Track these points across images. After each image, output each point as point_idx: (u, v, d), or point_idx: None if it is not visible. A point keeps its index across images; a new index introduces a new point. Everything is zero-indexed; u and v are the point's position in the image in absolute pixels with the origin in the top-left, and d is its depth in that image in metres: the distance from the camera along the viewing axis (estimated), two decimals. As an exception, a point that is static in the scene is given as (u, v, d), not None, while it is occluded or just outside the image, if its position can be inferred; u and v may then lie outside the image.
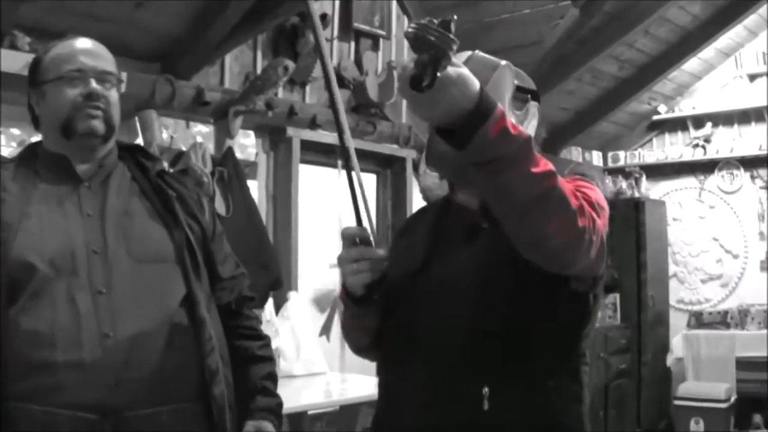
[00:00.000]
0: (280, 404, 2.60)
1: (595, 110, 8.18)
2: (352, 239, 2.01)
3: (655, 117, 8.89)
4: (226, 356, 2.44)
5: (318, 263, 6.29)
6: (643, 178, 8.95)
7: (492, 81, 1.97)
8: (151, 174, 2.51)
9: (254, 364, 2.57)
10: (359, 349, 2.37)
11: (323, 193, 6.33)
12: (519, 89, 2.12)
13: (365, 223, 2.07)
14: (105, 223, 2.34)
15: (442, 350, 2.01)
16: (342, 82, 6.13)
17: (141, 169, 2.53)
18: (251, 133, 5.67)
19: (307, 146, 5.91)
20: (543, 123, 2.19)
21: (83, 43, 2.45)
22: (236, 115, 5.25)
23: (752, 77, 8.44)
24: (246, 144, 5.58)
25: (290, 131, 5.77)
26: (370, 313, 2.16)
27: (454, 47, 1.59)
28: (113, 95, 2.44)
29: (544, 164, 1.71)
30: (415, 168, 6.67)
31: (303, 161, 5.92)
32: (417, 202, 6.68)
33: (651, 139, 9.14)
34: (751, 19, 7.69)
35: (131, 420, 2.18)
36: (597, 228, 1.84)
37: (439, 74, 1.58)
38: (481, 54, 2.04)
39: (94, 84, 2.38)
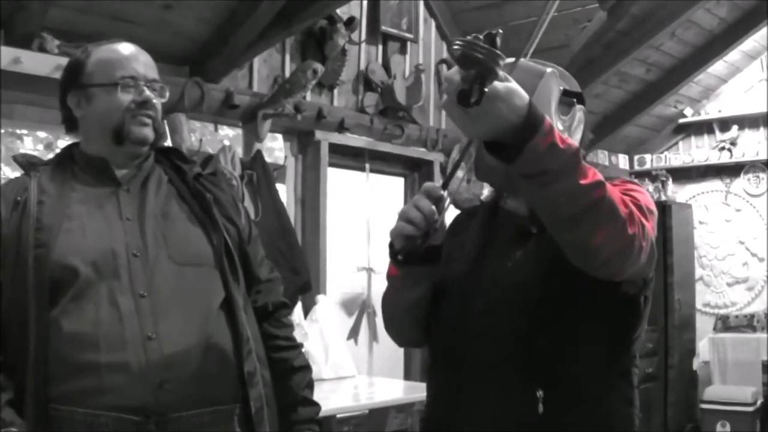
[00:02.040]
0: (319, 411, 2.62)
1: (622, 113, 8.13)
2: (426, 192, 1.97)
3: (681, 120, 8.82)
4: (262, 357, 2.45)
5: (346, 267, 6.30)
6: (669, 181, 8.90)
7: (538, 89, 1.96)
8: (189, 177, 2.52)
9: (294, 375, 2.58)
10: (396, 328, 2.33)
11: (351, 196, 6.34)
12: (565, 93, 2.11)
13: (447, 191, 2.00)
14: (145, 227, 2.35)
15: (495, 352, 2.01)
16: (370, 85, 6.16)
17: (177, 172, 2.53)
18: (279, 136, 5.69)
19: (336, 149, 5.93)
20: (588, 125, 2.17)
21: (131, 49, 2.46)
22: (265, 119, 5.27)
23: (778, 80, 8.36)
24: (274, 147, 5.60)
25: (318, 134, 5.78)
26: (409, 280, 2.15)
27: (501, 63, 1.59)
28: (159, 103, 2.46)
29: (593, 175, 1.70)
30: (443, 171, 6.68)
31: (331, 164, 5.93)
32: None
33: (677, 143, 9.06)
34: (778, 22, 7.62)
35: (174, 422, 2.18)
36: (647, 233, 1.83)
37: (486, 90, 1.58)
38: (526, 61, 2.02)
39: (147, 92, 2.40)
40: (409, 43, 6.55)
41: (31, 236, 2.23)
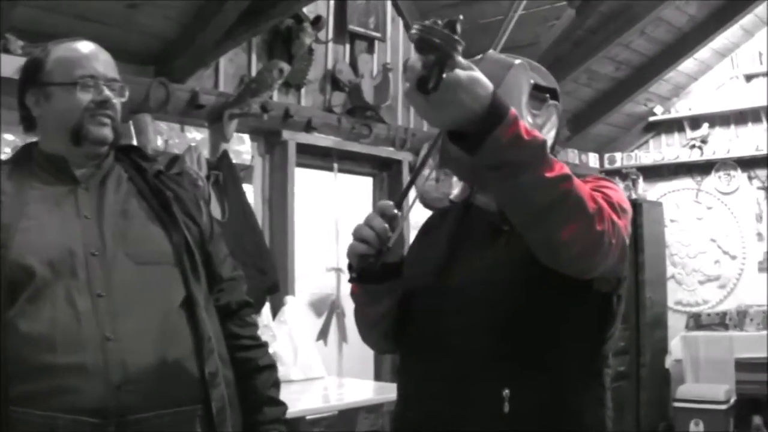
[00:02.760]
0: (285, 411, 2.59)
1: (592, 112, 8.15)
2: (379, 210, 1.95)
3: (652, 118, 8.82)
4: (225, 357, 2.42)
5: (315, 267, 6.26)
6: (640, 179, 8.92)
7: (506, 82, 1.93)
8: (149, 174, 2.49)
9: (259, 374, 2.55)
10: (369, 341, 2.33)
11: (320, 196, 6.28)
12: (537, 88, 2.08)
13: (400, 211, 1.96)
14: (103, 225, 2.32)
15: (463, 350, 1.98)
16: (337, 85, 6.11)
17: (137, 170, 2.50)
18: (246, 136, 5.62)
19: (303, 149, 5.86)
20: (564, 122, 2.14)
21: (90, 47, 2.42)
22: (231, 119, 5.21)
23: (749, 77, 8.38)
24: (241, 148, 5.53)
25: (286, 134, 5.72)
26: (369, 297, 2.14)
27: (460, 48, 1.56)
28: (119, 103, 2.43)
29: (560, 168, 1.67)
30: (411, 170, 6.65)
31: (299, 164, 5.88)
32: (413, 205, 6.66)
33: (647, 141, 9.08)
34: (748, 19, 7.66)
35: (133, 423, 2.15)
36: (618, 230, 1.80)
37: (444, 76, 1.54)
38: (495, 53, 1.99)
39: (107, 91, 2.37)
40: (376, 42, 6.50)
41: None
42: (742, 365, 7.61)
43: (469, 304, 2.00)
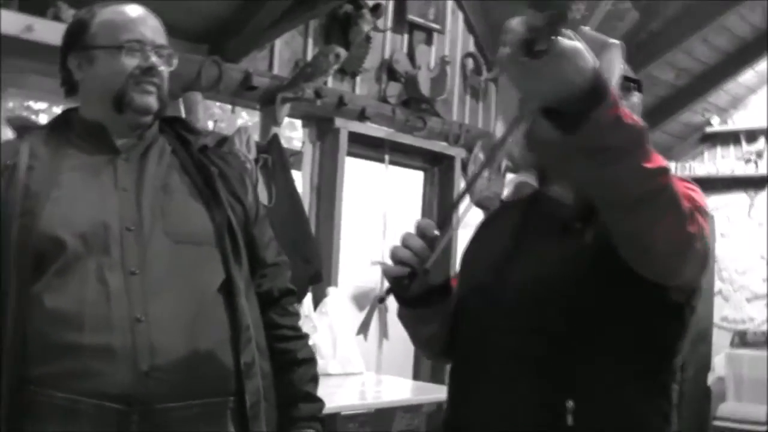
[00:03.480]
0: (322, 408, 2.44)
1: (649, 119, 7.87)
2: (420, 230, 1.84)
3: (708, 129, 8.65)
4: (263, 347, 2.28)
5: (359, 259, 6.14)
6: (695, 191, 8.70)
7: (601, 60, 1.71)
8: (193, 148, 2.34)
9: (297, 367, 2.40)
10: (430, 355, 2.29)
11: (368, 187, 6.18)
12: (626, 78, 1.95)
13: (443, 231, 1.86)
14: (141, 199, 2.17)
15: (525, 355, 1.84)
16: (393, 75, 5.98)
17: (182, 143, 2.36)
18: (298, 121, 5.54)
19: (355, 138, 5.74)
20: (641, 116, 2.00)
21: (139, 11, 2.28)
22: (284, 102, 5.09)
23: (808, 93, 8.18)
24: (292, 133, 5.43)
25: (338, 122, 5.59)
26: (414, 320, 2.06)
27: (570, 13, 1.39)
28: (166, 71, 2.29)
29: (658, 160, 1.52)
30: (464, 167, 6.52)
31: (350, 153, 5.75)
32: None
33: (702, 152, 8.91)
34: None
35: (160, 413, 2.02)
36: (705, 236, 1.66)
37: (554, 39, 1.37)
38: (589, 30, 1.84)
39: (154, 58, 2.23)
40: (435, 34, 6.35)
41: (18, 203, 2.06)
42: (787, 387, 7.40)
43: (529, 303, 1.86)
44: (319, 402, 2.43)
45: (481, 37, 6.68)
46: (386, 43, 5.99)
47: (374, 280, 6.11)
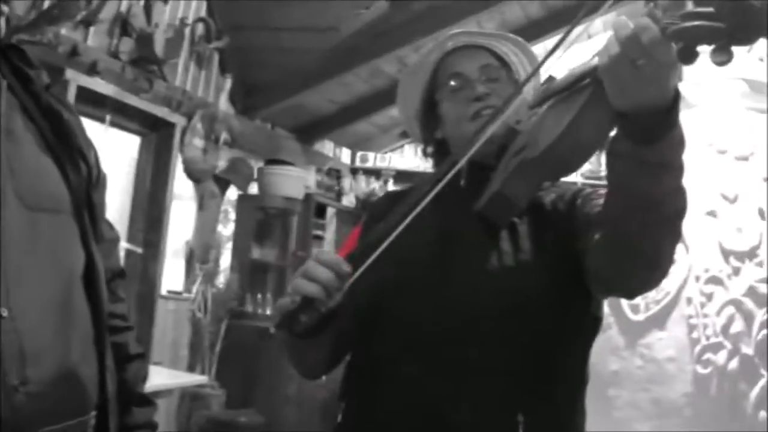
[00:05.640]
0: (156, 411, 2.03)
1: (360, 108, 7.89)
2: (329, 264, 1.57)
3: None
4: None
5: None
6: (390, 181, 8.82)
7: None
8: (37, 87, 1.83)
9: (129, 365, 1.96)
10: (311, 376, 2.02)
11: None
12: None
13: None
14: None
15: (469, 368, 1.72)
16: (126, 30, 5.46)
17: (18, 78, 1.81)
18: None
19: (83, 94, 5.15)
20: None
21: None
22: (20, 44, 4.51)
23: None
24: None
25: (69, 73, 4.99)
26: (308, 345, 1.78)
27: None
28: None
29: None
30: (182, 137, 6.18)
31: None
32: (179, 172, 6.19)
33: (402, 146, 9.02)
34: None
35: None
36: None
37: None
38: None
39: None
40: (169, -8, 5.90)
41: None
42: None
43: (474, 309, 1.75)
44: (153, 405, 2.02)
45: (215, 4, 6.32)
46: (120, -9, 5.47)
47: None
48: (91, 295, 1.76)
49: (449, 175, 1.56)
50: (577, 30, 1.41)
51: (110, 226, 2.01)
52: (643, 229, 1.50)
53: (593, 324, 1.85)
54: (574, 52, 1.52)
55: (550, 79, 1.61)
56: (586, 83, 1.45)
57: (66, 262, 1.70)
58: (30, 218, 1.63)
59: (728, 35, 1.16)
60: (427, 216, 1.62)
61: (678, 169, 1.45)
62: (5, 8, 1.74)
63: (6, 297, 1.52)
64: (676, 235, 1.54)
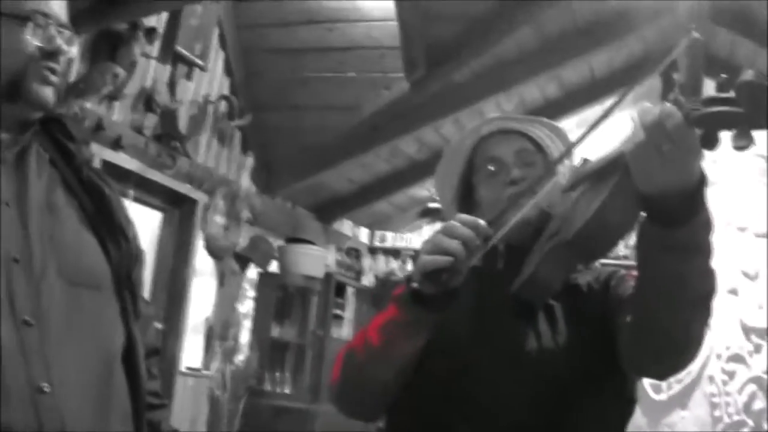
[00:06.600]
0: None
1: (379, 188, 7.94)
2: (470, 224, 1.56)
3: (431, 204, 8.74)
4: None
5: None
6: (410, 261, 8.80)
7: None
8: (78, 161, 1.77)
9: None
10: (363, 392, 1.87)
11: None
12: None
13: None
14: (27, 220, 1.58)
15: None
16: (150, 106, 5.56)
17: (59, 152, 1.76)
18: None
19: (107, 168, 5.17)
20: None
21: None
22: (48, 119, 4.59)
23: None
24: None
25: (94, 148, 5.04)
26: (414, 328, 1.70)
27: None
28: (66, 58, 1.73)
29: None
30: (204, 214, 6.25)
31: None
32: (200, 249, 6.22)
33: (421, 225, 9.03)
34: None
35: None
36: None
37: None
38: None
39: (59, 39, 1.67)
40: (196, 70, 6.02)
41: None
42: None
43: (510, 391, 1.74)
44: None
45: (238, 82, 6.42)
46: (149, 71, 5.59)
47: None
48: (130, 373, 1.72)
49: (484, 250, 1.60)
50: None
51: (146, 302, 1.98)
52: (672, 312, 1.51)
53: (628, 407, 1.85)
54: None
55: (585, 162, 1.65)
56: (614, 168, 1.48)
57: (107, 339, 1.67)
58: (71, 293, 1.60)
59: (748, 120, 1.22)
60: (466, 299, 1.67)
61: (706, 251, 1.46)
62: (55, 79, 1.70)
63: (47, 372, 1.49)
64: (705, 317, 1.54)
